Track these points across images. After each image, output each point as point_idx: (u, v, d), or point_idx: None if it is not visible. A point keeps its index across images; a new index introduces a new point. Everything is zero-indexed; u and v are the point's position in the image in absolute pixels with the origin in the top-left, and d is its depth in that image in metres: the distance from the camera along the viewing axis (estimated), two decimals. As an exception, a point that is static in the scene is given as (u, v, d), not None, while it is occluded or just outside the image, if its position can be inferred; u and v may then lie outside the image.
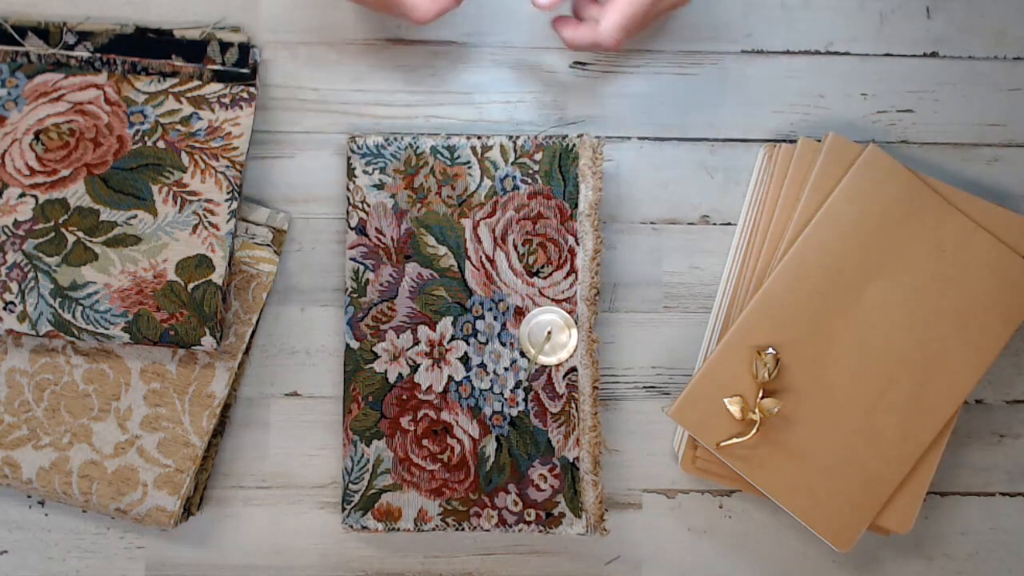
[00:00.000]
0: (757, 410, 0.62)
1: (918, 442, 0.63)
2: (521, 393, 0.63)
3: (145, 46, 0.64)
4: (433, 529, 0.63)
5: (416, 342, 0.63)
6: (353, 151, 0.64)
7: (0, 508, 0.65)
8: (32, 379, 0.62)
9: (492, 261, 0.64)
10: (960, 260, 0.63)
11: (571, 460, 0.63)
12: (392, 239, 0.64)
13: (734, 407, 0.62)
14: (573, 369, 0.63)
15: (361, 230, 0.64)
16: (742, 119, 0.68)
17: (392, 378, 0.63)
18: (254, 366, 0.66)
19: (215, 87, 0.64)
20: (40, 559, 0.65)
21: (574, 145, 0.64)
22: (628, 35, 0.60)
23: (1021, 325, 0.64)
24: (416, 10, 0.59)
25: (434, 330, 0.63)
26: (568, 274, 0.64)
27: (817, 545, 0.66)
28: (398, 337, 0.63)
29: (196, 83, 0.64)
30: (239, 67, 0.64)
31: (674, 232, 0.68)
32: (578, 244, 0.64)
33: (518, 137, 0.64)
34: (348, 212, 0.64)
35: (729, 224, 0.68)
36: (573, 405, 0.63)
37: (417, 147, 0.64)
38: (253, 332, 0.64)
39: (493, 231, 0.64)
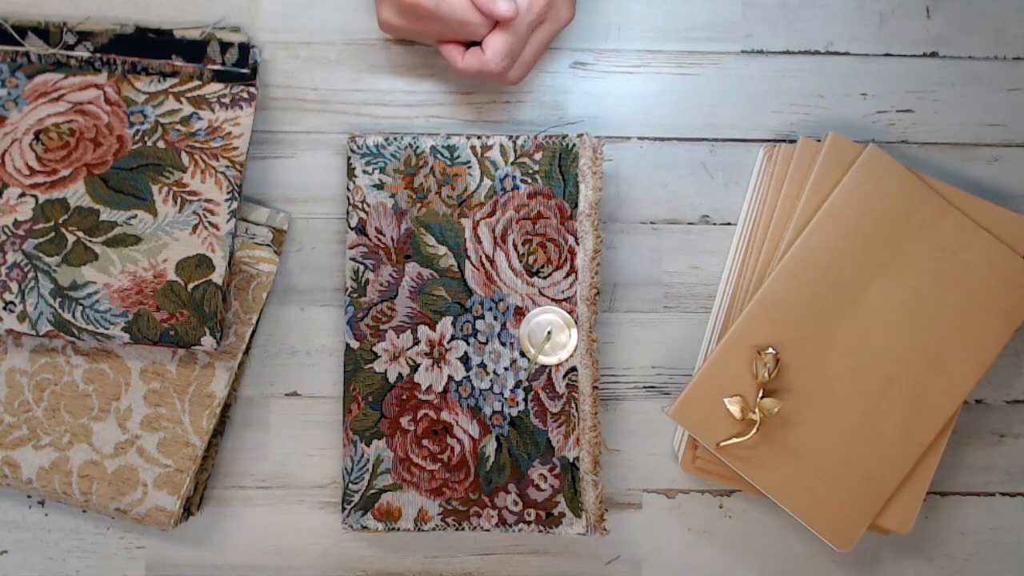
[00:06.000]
0: (757, 410, 0.62)
1: (918, 442, 0.63)
2: (521, 393, 0.63)
3: (145, 46, 0.64)
4: (433, 529, 0.63)
5: (416, 342, 0.63)
6: (353, 151, 0.64)
7: (0, 508, 0.65)
8: (32, 379, 0.62)
9: (492, 261, 0.64)
10: (960, 260, 0.64)
11: (571, 460, 0.63)
12: (392, 239, 0.64)
13: (734, 407, 0.62)
14: (573, 369, 0.63)
15: (361, 230, 0.64)
16: (742, 119, 0.68)
17: (392, 378, 0.63)
18: (254, 366, 0.66)
19: (215, 87, 0.64)
20: (40, 559, 0.65)
21: (574, 145, 0.64)
22: (513, 60, 0.60)
23: (1021, 325, 0.64)
24: (456, 62, 0.62)
25: (434, 330, 0.63)
26: (568, 274, 0.64)
27: (817, 545, 0.66)
28: (398, 337, 0.63)
29: (196, 83, 0.64)
30: (239, 67, 0.64)
31: (674, 232, 0.68)
32: (578, 244, 0.64)
33: (518, 137, 0.64)
34: (348, 212, 0.64)
35: (729, 224, 0.68)
36: (573, 405, 0.63)
37: (417, 147, 0.64)
38: (253, 332, 0.64)
39: (493, 231, 0.64)
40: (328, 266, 0.66)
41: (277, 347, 0.66)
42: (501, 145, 0.64)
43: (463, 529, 0.63)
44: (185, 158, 0.63)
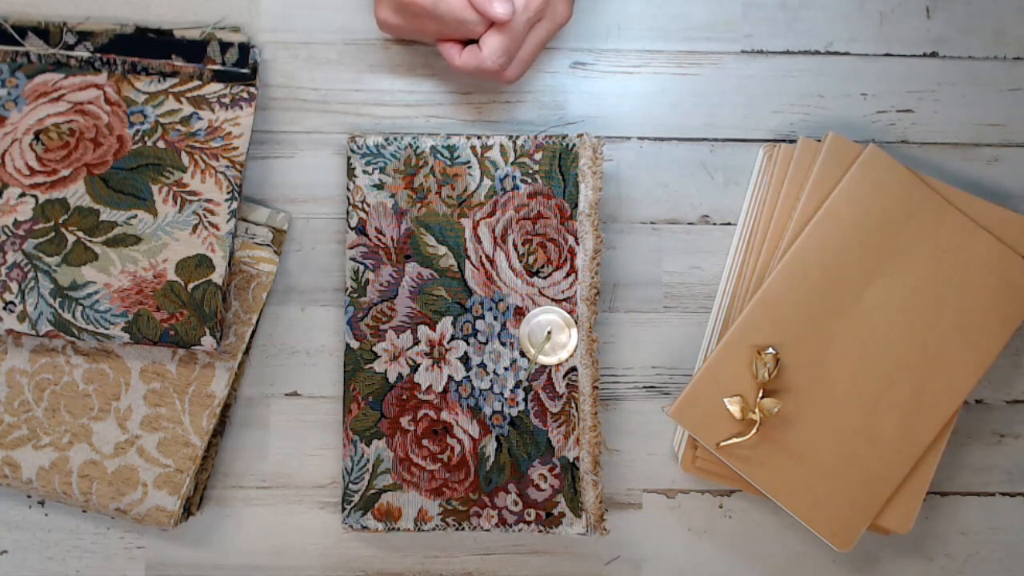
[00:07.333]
0: (757, 410, 0.62)
1: (918, 442, 0.63)
2: (521, 393, 0.63)
3: (145, 46, 0.64)
4: (433, 529, 0.63)
5: (416, 342, 0.63)
6: (353, 151, 0.64)
7: (0, 508, 0.65)
8: (32, 379, 0.62)
9: (492, 261, 0.64)
10: (960, 260, 0.64)
11: (571, 460, 0.63)
12: (392, 239, 0.64)
13: (734, 407, 0.62)
14: (573, 369, 0.63)
15: (361, 230, 0.64)
16: (742, 119, 0.68)
17: (392, 378, 0.63)
18: (254, 366, 0.66)
19: (215, 87, 0.64)
20: (40, 559, 0.65)
21: (574, 145, 0.64)
22: (510, 58, 0.60)
23: (1021, 325, 0.64)
24: (453, 60, 0.62)
25: (434, 330, 0.63)
26: (568, 274, 0.64)
27: (817, 545, 0.66)
28: (398, 337, 0.63)
29: (196, 83, 0.64)
30: (239, 67, 0.64)
31: (674, 232, 0.68)
32: (578, 244, 0.64)
33: (518, 137, 0.64)
34: (348, 212, 0.64)
35: (729, 224, 0.68)
36: (573, 405, 0.63)
37: (417, 147, 0.64)
38: (253, 332, 0.64)
39: (493, 231, 0.64)
40: (328, 266, 0.66)
41: (277, 347, 0.66)
42: (501, 145, 0.64)
43: (463, 529, 0.63)
44: (185, 158, 0.63)
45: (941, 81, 0.69)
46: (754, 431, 0.62)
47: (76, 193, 0.62)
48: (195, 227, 0.62)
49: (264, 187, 0.67)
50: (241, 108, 0.64)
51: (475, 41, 0.61)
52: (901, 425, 0.63)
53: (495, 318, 0.64)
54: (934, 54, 0.69)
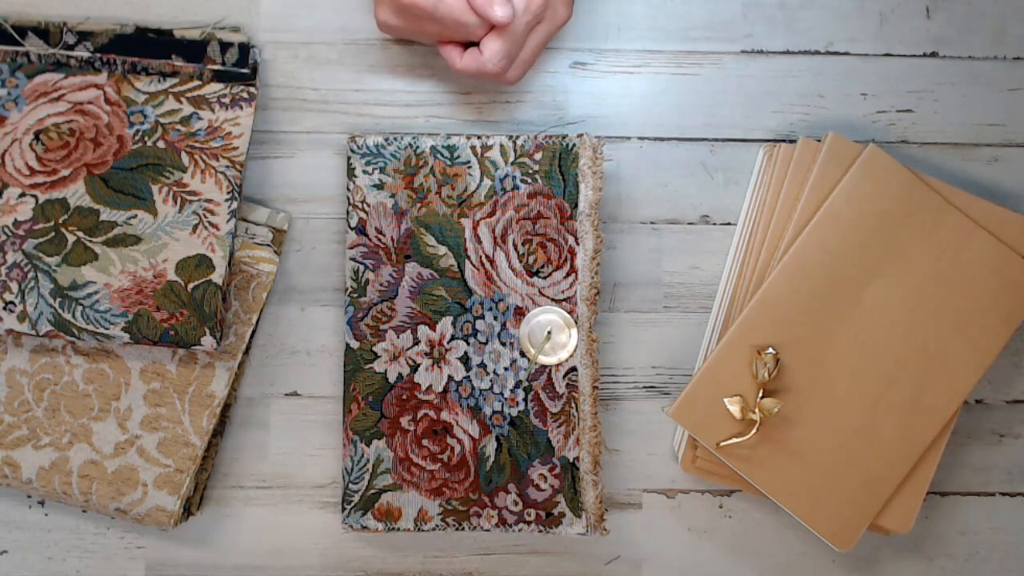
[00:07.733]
0: (757, 410, 0.62)
1: (918, 442, 0.63)
2: (521, 393, 0.63)
3: (145, 46, 0.64)
4: (433, 529, 0.63)
5: (416, 342, 0.63)
6: (353, 151, 0.64)
7: (0, 508, 0.65)
8: (32, 379, 0.62)
9: (492, 261, 0.64)
10: (960, 260, 0.64)
11: (571, 460, 0.63)
12: (392, 239, 0.64)
13: (734, 407, 0.62)
14: (573, 369, 0.63)
15: (361, 230, 0.64)
16: (742, 119, 0.68)
17: (392, 378, 0.63)
18: (254, 366, 0.66)
19: (215, 87, 0.64)
20: (40, 559, 0.65)
21: (574, 145, 0.64)
22: (511, 60, 0.60)
23: (1021, 325, 0.64)
24: (454, 63, 0.62)
25: (434, 330, 0.63)
26: (568, 274, 0.64)
27: (817, 545, 0.66)
28: (398, 337, 0.63)
29: (196, 83, 0.64)
30: (239, 67, 0.64)
31: (674, 232, 0.68)
32: (578, 244, 0.64)
33: (518, 137, 0.64)
34: (348, 212, 0.64)
35: (729, 224, 0.68)
36: (573, 405, 0.63)
37: (417, 147, 0.64)
38: (253, 332, 0.64)
39: (493, 231, 0.64)
40: (328, 266, 0.66)
41: (277, 347, 0.66)
42: (501, 145, 0.64)
43: (463, 529, 0.63)
44: (185, 158, 0.63)
45: (941, 81, 0.69)
46: (754, 431, 0.62)
47: (76, 193, 0.62)
48: (195, 227, 0.62)
49: (264, 187, 0.67)
50: (241, 108, 0.64)
51: (475, 43, 0.61)
52: (901, 425, 0.63)
53: (495, 318, 0.64)
54: (934, 54, 0.69)
